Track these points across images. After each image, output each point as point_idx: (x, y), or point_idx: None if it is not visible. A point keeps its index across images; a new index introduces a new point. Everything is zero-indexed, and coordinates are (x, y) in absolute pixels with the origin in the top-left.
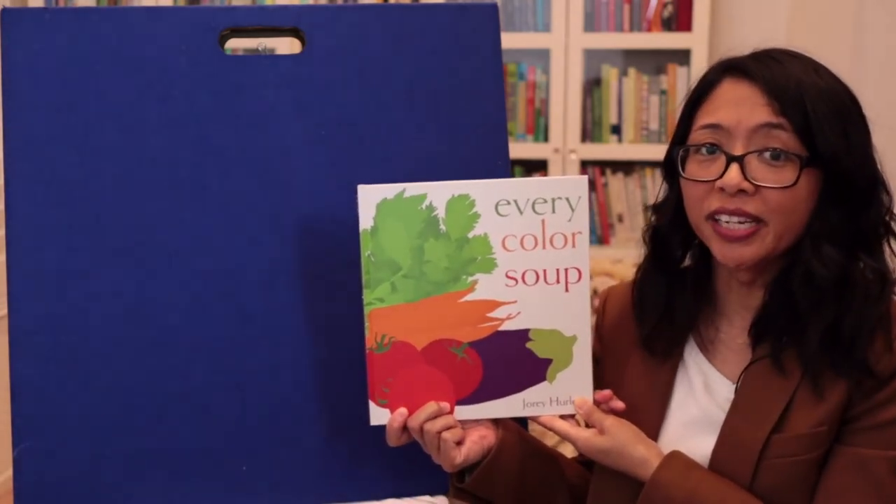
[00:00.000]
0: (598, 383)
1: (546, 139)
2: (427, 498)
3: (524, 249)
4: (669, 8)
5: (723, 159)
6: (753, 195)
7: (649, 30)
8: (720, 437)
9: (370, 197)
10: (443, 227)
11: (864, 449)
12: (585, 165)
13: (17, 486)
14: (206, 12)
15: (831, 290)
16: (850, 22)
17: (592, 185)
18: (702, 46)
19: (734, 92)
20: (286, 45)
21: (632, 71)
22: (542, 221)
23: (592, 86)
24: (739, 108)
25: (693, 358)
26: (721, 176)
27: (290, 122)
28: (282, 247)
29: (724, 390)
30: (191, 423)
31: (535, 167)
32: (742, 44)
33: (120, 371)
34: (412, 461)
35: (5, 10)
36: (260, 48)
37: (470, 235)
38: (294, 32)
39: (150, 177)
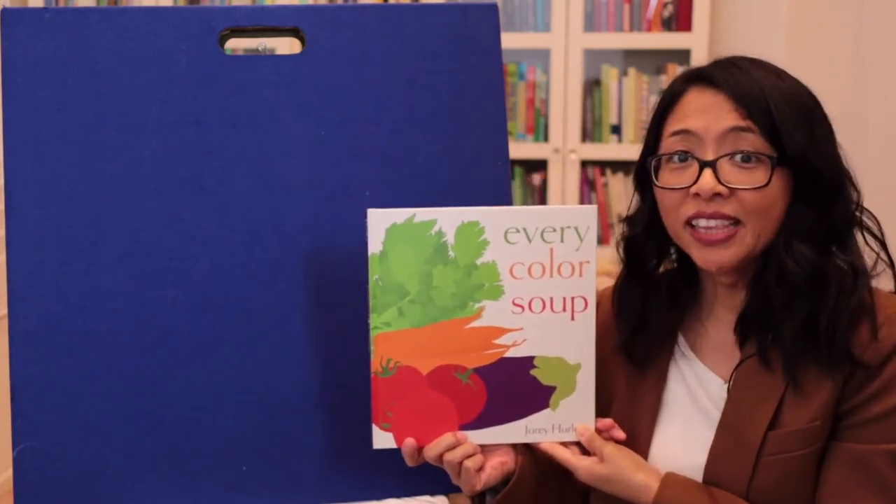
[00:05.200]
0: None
1: (546, 139)
2: (427, 498)
3: (532, 277)
4: (669, 8)
5: (695, 166)
6: (729, 198)
7: (649, 30)
8: (717, 436)
9: (380, 221)
10: (451, 253)
11: (861, 444)
12: (585, 165)
13: (17, 486)
14: (205, 12)
15: (804, 287)
16: (850, 22)
17: (592, 185)
18: (702, 46)
19: (701, 100)
20: (286, 45)
21: (632, 71)
22: (551, 250)
23: (592, 86)
24: (707, 114)
25: (684, 357)
26: (695, 182)
27: (290, 122)
28: (282, 247)
29: (716, 388)
30: (191, 423)
31: (535, 167)
32: (742, 44)
33: (120, 371)
34: None
35: (5, 9)
36: (260, 48)
37: (478, 262)
38: (294, 32)
39: (150, 177)
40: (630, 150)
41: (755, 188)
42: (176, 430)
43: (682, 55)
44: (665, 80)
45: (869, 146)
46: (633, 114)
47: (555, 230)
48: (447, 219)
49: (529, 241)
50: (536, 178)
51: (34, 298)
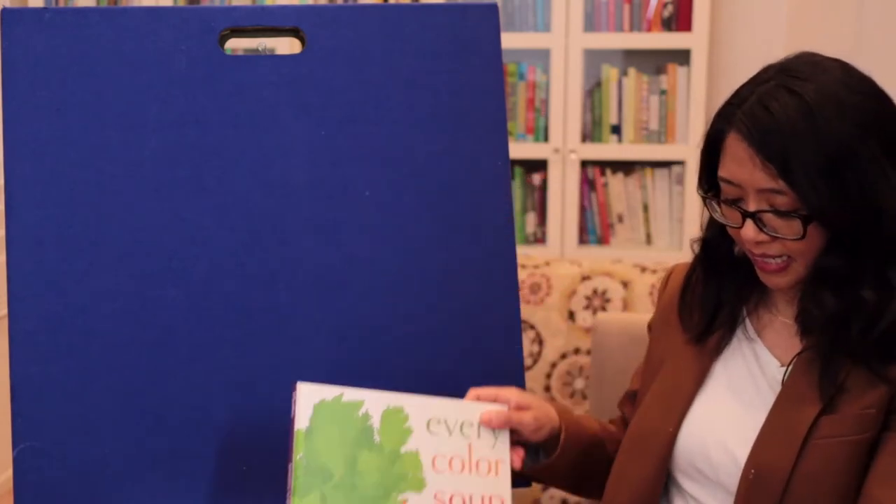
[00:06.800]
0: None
1: (546, 139)
2: None
3: (451, 471)
4: (669, 8)
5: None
6: (773, 242)
7: (649, 30)
8: (768, 420)
9: (309, 396)
10: (377, 437)
11: None
12: (585, 165)
13: (17, 486)
14: (206, 12)
15: (828, 325)
16: (850, 22)
17: (592, 185)
18: (702, 46)
19: (736, 149)
20: (286, 45)
21: (632, 71)
22: (469, 445)
23: (592, 86)
24: (742, 168)
25: (747, 334)
26: (741, 227)
27: (290, 122)
28: (282, 247)
29: (773, 370)
30: (191, 423)
31: (535, 167)
32: (742, 44)
33: (120, 371)
34: None
35: (5, 9)
36: (260, 48)
37: (402, 450)
38: (294, 32)
39: (150, 177)
40: (630, 150)
41: (793, 239)
42: (176, 430)
43: (682, 55)
44: (665, 80)
45: None
46: (633, 114)
47: (472, 425)
48: (374, 402)
49: (450, 433)
50: (536, 178)
51: (34, 298)
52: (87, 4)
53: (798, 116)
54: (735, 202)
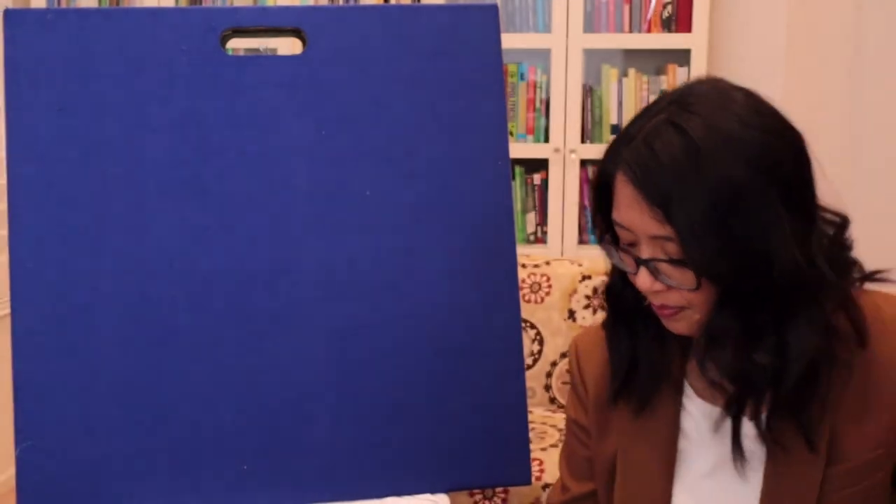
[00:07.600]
0: (588, 450)
1: (546, 139)
2: (427, 497)
3: None
4: (669, 8)
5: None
6: (668, 291)
7: (649, 30)
8: (767, 480)
9: None
10: None
11: None
12: (585, 165)
13: (20, 485)
14: (207, 13)
15: (738, 387)
16: (849, 22)
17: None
18: (702, 46)
19: (625, 192)
20: (287, 46)
21: (632, 71)
22: None
23: (592, 86)
24: (632, 212)
25: (693, 404)
26: (637, 273)
27: (290, 123)
28: (282, 247)
29: (745, 429)
30: (191, 423)
31: (536, 167)
32: (742, 44)
33: (121, 370)
34: (413, 460)
35: (8, 10)
36: (261, 48)
37: None
38: (295, 33)
39: (151, 177)
40: None
41: (688, 289)
42: (177, 429)
43: (682, 55)
44: (665, 81)
45: (867, 143)
46: (633, 114)
47: None
48: None
49: None
50: (536, 178)
51: (36, 298)
52: (88, 5)
53: (682, 157)
54: (631, 247)
